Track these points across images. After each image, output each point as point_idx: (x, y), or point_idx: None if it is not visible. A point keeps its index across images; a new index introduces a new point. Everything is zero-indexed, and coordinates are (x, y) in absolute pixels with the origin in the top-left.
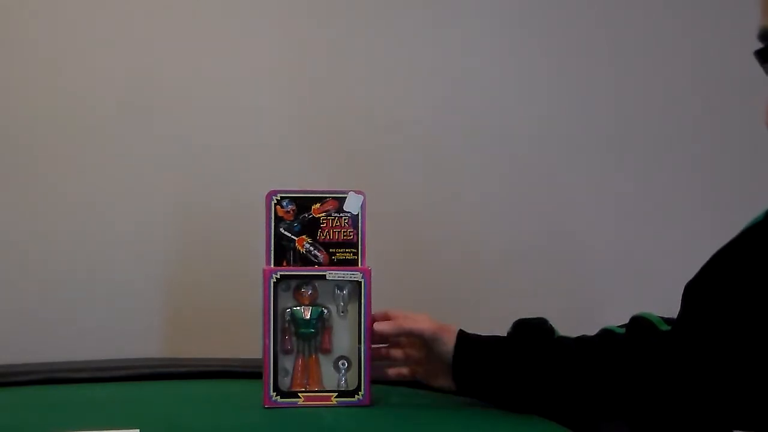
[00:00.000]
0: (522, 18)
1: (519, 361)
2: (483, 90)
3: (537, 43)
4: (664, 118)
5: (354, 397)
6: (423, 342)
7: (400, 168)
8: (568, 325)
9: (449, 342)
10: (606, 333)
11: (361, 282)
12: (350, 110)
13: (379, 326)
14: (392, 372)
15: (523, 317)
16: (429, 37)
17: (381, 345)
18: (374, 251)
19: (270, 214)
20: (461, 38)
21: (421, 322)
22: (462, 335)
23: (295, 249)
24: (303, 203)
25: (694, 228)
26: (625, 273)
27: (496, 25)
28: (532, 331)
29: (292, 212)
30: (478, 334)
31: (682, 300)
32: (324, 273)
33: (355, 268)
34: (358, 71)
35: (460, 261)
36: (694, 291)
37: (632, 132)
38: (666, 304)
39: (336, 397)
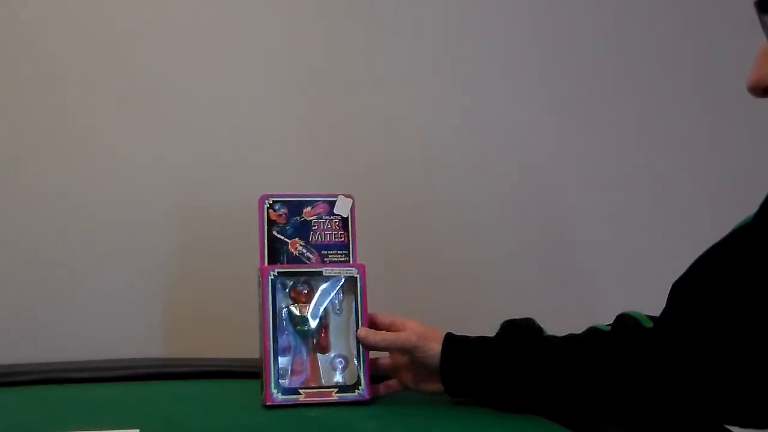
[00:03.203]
0: (521, 19)
1: (507, 361)
2: (480, 91)
3: (534, 43)
4: (660, 118)
5: (354, 391)
6: (406, 351)
7: (395, 169)
8: (563, 325)
9: (431, 350)
10: (593, 331)
11: (356, 278)
12: (349, 111)
13: (362, 333)
14: (382, 388)
15: (512, 318)
16: (428, 39)
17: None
18: (368, 253)
19: (263, 217)
20: (460, 39)
21: (401, 334)
22: (449, 338)
23: (288, 251)
24: (294, 206)
25: (688, 229)
26: (620, 273)
27: (495, 27)
28: (520, 331)
29: (284, 215)
30: (466, 335)
31: (668, 298)
32: (321, 269)
33: (350, 264)
34: (358, 72)
35: (453, 262)
36: (680, 289)
37: (629, 133)
38: (661, 304)
39: (336, 393)
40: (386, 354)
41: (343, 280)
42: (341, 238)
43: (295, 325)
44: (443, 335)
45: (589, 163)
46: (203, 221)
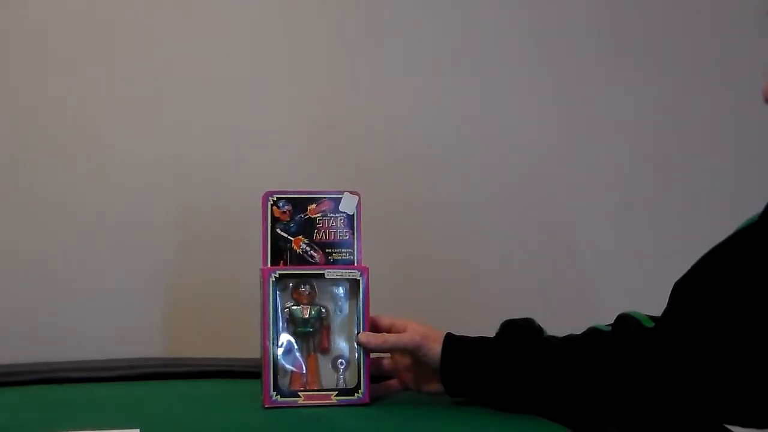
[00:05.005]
0: (521, 19)
1: (507, 362)
2: (480, 91)
3: (536, 45)
4: (660, 118)
5: (354, 395)
6: (409, 351)
7: (397, 169)
8: (563, 325)
9: (433, 350)
10: (593, 332)
11: (359, 280)
12: (348, 111)
13: (363, 338)
14: (382, 388)
15: (512, 318)
16: (429, 38)
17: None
18: (367, 252)
19: (266, 214)
20: (460, 39)
21: (404, 335)
22: (449, 338)
23: (291, 249)
24: (299, 204)
25: (688, 229)
26: (620, 273)
27: (495, 27)
28: (520, 331)
29: (288, 213)
30: (467, 336)
31: (669, 297)
32: (323, 271)
33: (353, 266)
34: (359, 71)
35: (452, 262)
36: (682, 289)
37: (629, 132)
38: (661, 304)
39: (336, 396)
40: (388, 354)
41: (345, 282)
42: (346, 236)
43: (296, 326)
44: (443, 335)
45: (589, 163)
46: (204, 221)
